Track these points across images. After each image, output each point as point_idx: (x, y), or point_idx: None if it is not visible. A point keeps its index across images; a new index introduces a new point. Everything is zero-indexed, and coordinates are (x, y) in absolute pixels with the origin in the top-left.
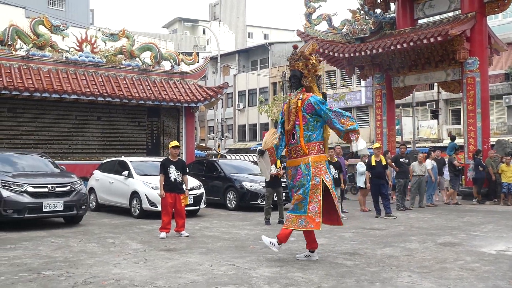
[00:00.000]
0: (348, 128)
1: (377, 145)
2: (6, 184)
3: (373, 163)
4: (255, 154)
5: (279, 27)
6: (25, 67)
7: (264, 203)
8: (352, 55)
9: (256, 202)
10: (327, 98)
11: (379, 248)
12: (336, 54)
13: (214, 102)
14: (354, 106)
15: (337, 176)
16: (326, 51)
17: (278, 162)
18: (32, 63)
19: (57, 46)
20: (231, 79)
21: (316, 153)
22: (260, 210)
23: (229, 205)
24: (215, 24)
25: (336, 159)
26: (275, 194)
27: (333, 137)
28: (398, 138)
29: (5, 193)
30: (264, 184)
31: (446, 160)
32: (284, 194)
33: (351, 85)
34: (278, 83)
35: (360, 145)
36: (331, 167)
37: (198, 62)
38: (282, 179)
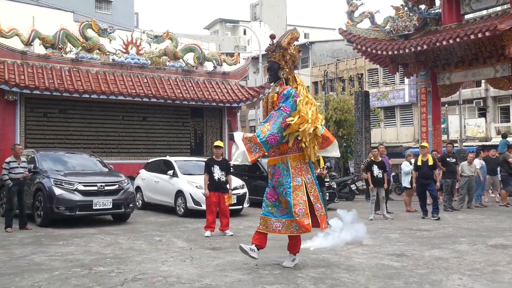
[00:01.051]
0: (258, 131)
1: (424, 144)
2: (58, 183)
3: (419, 163)
4: None
5: (320, 26)
6: (74, 69)
7: None
8: (395, 52)
9: None
10: (370, 97)
11: (427, 250)
12: (379, 52)
13: (256, 102)
14: (398, 105)
15: (381, 176)
16: (369, 49)
17: (322, 161)
18: (81, 65)
19: (105, 49)
20: None
21: (296, 151)
22: None
23: None
24: (256, 24)
25: (380, 159)
26: None
27: (376, 136)
28: (444, 137)
29: (58, 191)
30: None
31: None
32: (327, 194)
33: (394, 83)
34: (320, 82)
35: (236, 155)
36: (375, 166)
37: (239, 62)
38: (325, 179)
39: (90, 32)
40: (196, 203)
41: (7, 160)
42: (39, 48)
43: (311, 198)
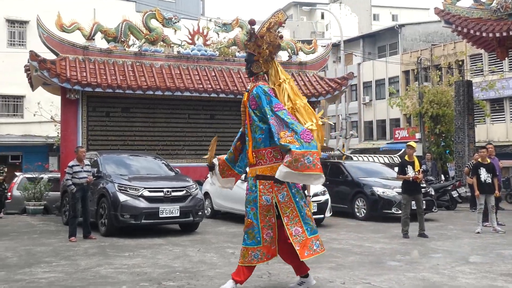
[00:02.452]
0: (283, 144)
1: None
2: (123, 188)
3: None
4: (385, 156)
5: (411, 6)
6: (137, 64)
7: (400, 212)
8: (504, 34)
9: (390, 211)
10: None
11: None
12: (484, 34)
13: (338, 96)
14: (507, 96)
15: (490, 181)
16: (472, 31)
17: (417, 163)
18: (145, 59)
19: (169, 40)
20: (354, 68)
21: (266, 163)
22: (395, 220)
23: (358, 214)
24: (335, 7)
25: (488, 160)
26: (413, 202)
27: (480, 134)
28: None
29: (122, 197)
30: (399, 190)
31: None
32: (424, 202)
33: (502, 71)
34: (411, 71)
35: (283, 174)
36: (483, 170)
37: (317, 50)
38: (421, 184)
39: (153, 23)
40: None
41: (70, 164)
42: (101, 42)
43: (283, 220)
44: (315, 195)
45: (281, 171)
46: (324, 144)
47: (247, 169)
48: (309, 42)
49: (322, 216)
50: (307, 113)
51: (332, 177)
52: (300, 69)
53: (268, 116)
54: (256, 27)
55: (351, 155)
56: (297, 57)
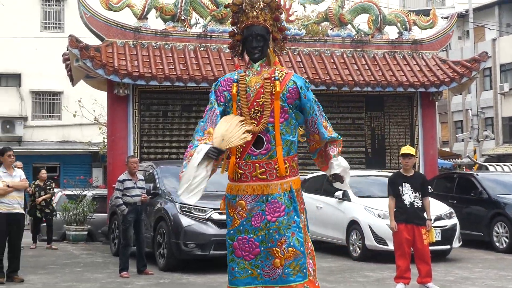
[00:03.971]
0: (332, 135)
1: None
2: (186, 209)
3: None
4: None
5: None
6: (202, 48)
7: None
8: None
9: None
10: None
11: None
12: None
13: (466, 84)
14: None
15: None
16: None
17: None
18: (211, 42)
19: None
20: (488, 46)
21: (297, 174)
22: None
23: (497, 243)
24: None
25: None
26: None
27: None
28: None
29: (185, 221)
30: None
31: None
32: None
33: None
34: None
35: (343, 162)
36: None
37: (437, 24)
38: None
39: None
40: (379, 240)
41: (121, 178)
42: (155, 23)
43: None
44: (439, 218)
45: (341, 165)
46: (447, 150)
47: (249, 183)
48: (425, 13)
49: (449, 246)
50: None
51: (460, 194)
52: (414, 50)
53: (315, 107)
54: None
55: (486, 163)
56: (409, 33)
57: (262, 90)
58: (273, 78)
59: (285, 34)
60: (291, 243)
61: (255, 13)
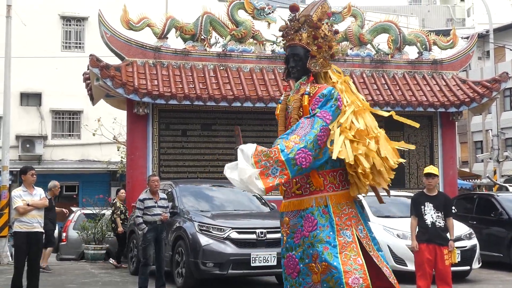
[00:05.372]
0: (280, 144)
1: None
2: (204, 228)
3: None
4: None
5: None
6: (221, 67)
7: None
8: None
9: None
10: None
11: None
12: None
13: (486, 105)
14: None
15: None
16: None
17: None
18: (230, 61)
19: (261, 37)
20: (508, 66)
21: (338, 188)
22: None
23: None
24: None
25: None
26: None
27: None
28: None
29: (204, 240)
30: None
31: None
32: None
33: None
34: None
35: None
36: None
37: (457, 44)
38: None
39: (241, 15)
40: (399, 260)
41: (141, 197)
42: (175, 42)
43: (374, 260)
44: (458, 239)
45: (249, 148)
46: (467, 170)
47: (290, 199)
48: (445, 33)
49: (468, 267)
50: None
51: (480, 215)
52: (434, 70)
53: (308, 115)
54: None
55: (506, 184)
56: (429, 53)
57: (297, 105)
58: (304, 93)
59: (327, 52)
60: (323, 257)
61: (290, 34)
